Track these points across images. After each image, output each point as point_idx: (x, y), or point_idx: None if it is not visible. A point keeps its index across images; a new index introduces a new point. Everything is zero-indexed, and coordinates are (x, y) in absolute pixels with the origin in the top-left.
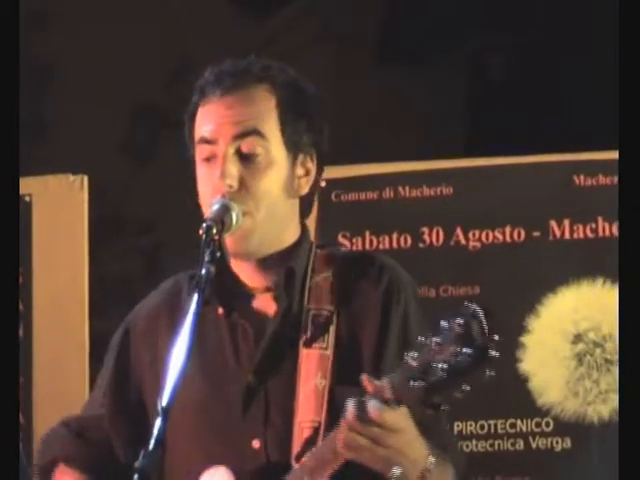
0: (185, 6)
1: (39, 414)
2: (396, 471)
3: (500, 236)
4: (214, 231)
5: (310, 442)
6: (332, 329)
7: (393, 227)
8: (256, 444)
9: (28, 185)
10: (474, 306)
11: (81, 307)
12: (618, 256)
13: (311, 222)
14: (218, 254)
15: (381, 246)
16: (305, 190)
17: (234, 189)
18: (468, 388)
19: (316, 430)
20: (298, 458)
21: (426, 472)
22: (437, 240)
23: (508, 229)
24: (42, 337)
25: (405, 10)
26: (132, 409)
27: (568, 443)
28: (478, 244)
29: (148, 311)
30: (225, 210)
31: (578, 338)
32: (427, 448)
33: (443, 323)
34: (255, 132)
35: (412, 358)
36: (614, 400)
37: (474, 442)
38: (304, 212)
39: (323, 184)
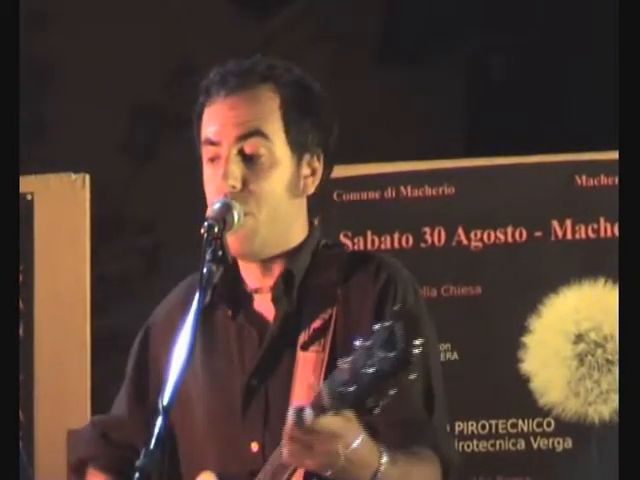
0: (185, 6)
1: (40, 413)
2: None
3: (502, 236)
4: (216, 230)
5: None
6: (329, 332)
7: (395, 227)
8: (255, 447)
9: (29, 184)
10: (401, 309)
11: (82, 306)
12: (618, 256)
13: None
14: (220, 253)
15: (383, 246)
16: (311, 190)
17: (237, 190)
18: (395, 391)
19: None
20: None
21: (378, 473)
22: (439, 240)
23: (510, 229)
24: (43, 336)
25: (405, 10)
26: (152, 411)
27: (569, 443)
28: (480, 244)
29: (166, 311)
30: (227, 209)
31: (579, 338)
32: (379, 449)
33: (375, 327)
34: (258, 133)
35: (344, 363)
36: (615, 400)
37: (475, 442)
38: (312, 211)
39: None
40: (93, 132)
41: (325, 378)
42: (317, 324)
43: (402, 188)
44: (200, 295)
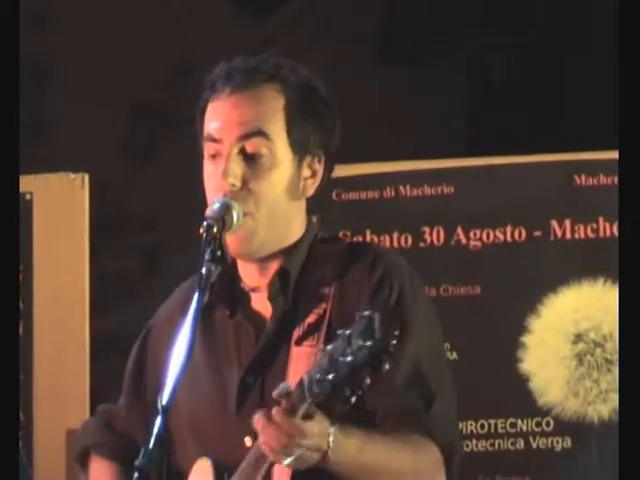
0: (185, 6)
1: (39, 412)
2: (285, 461)
3: (501, 236)
4: (215, 230)
5: None
6: (324, 326)
7: (394, 226)
8: (248, 442)
9: (29, 183)
10: (381, 300)
11: (81, 306)
12: (618, 256)
13: None
14: (219, 253)
15: (382, 245)
16: (311, 192)
17: (236, 188)
18: (369, 382)
19: None
20: None
21: (327, 451)
22: (438, 239)
23: (509, 229)
24: (43, 335)
25: (405, 10)
26: (151, 409)
27: (568, 443)
28: (479, 244)
29: (167, 313)
30: (226, 209)
31: (579, 338)
32: (327, 430)
33: (356, 316)
34: (260, 133)
35: (324, 352)
36: (614, 400)
37: (474, 441)
38: (312, 212)
39: None
40: (92, 132)
41: None
42: (311, 319)
43: (401, 188)
44: (199, 295)
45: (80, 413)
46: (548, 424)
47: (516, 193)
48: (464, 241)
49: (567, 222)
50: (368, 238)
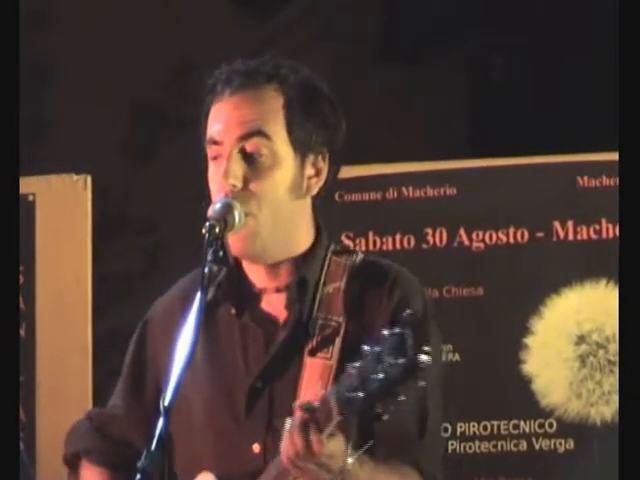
0: (185, 6)
1: (41, 413)
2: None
3: (503, 237)
4: (217, 230)
5: None
6: (338, 340)
7: (397, 228)
8: (256, 448)
9: (31, 185)
10: (411, 315)
11: (84, 306)
12: (619, 257)
13: None
14: (221, 253)
15: (385, 247)
16: (315, 191)
17: (238, 188)
18: (403, 398)
19: None
20: None
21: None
22: (440, 241)
23: (511, 230)
24: (45, 336)
25: (405, 10)
26: (149, 405)
27: (571, 444)
28: (481, 245)
29: (165, 307)
30: (228, 209)
31: (581, 339)
32: (346, 454)
33: (384, 332)
34: (259, 133)
35: (353, 368)
36: (617, 401)
37: (477, 443)
38: (318, 212)
39: None
40: (94, 132)
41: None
42: (326, 331)
43: (404, 189)
44: (201, 295)
45: (82, 414)
46: (551, 425)
47: (518, 194)
48: (467, 242)
49: (569, 223)
50: (371, 239)
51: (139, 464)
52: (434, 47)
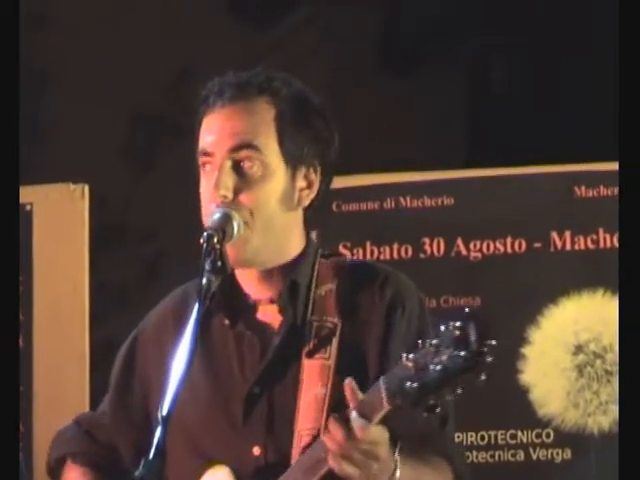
0: (185, 14)
1: (39, 423)
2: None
3: (501, 247)
4: (215, 240)
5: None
6: (335, 340)
7: (394, 237)
8: (257, 451)
9: (29, 194)
10: (473, 310)
11: (81, 316)
12: (618, 267)
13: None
14: (219, 263)
15: (382, 257)
16: (306, 202)
17: (228, 199)
18: (460, 391)
19: (315, 437)
20: None
21: (395, 474)
22: (438, 251)
23: (509, 240)
24: (42, 346)
25: (405, 20)
26: (136, 415)
27: (568, 454)
28: (479, 255)
29: (156, 319)
30: (226, 219)
31: (579, 349)
32: (393, 455)
33: (442, 326)
34: (250, 145)
35: (408, 360)
36: (614, 411)
37: (474, 453)
38: (309, 223)
39: None
40: (93, 141)
41: (333, 385)
42: (322, 332)
43: (401, 199)
44: (200, 305)
45: None
46: (548, 435)
47: (516, 204)
48: (464, 252)
49: (567, 233)
50: (368, 249)
51: (137, 473)
52: (434, 58)
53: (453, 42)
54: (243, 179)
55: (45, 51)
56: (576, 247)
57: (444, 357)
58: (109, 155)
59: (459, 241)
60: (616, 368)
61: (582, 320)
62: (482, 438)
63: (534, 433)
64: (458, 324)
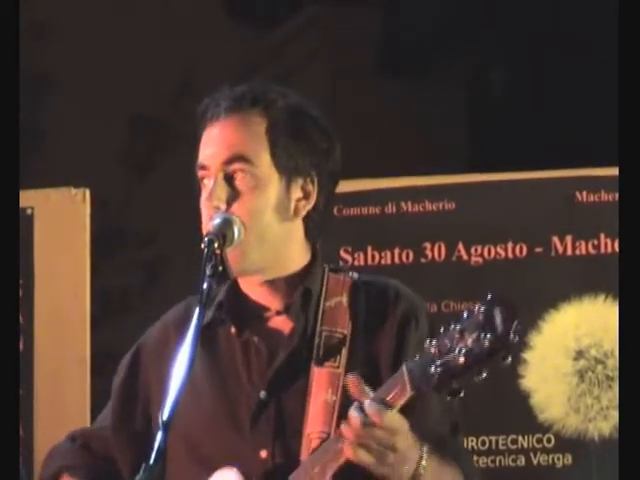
0: (185, 20)
1: (39, 427)
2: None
3: (502, 252)
4: (215, 245)
5: None
6: (344, 350)
7: (395, 242)
8: (264, 454)
9: (30, 198)
10: (497, 295)
11: (82, 320)
12: (618, 272)
13: None
14: (220, 268)
15: (383, 261)
16: (303, 213)
17: (221, 210)
18: (485, 374)
19: (324, 441)
20: None
21: (420, 466)
22: (439, 255)
23: (510, 245)
24: (43, 350)
25: (405, 26)
26: (137, 429)
27: (569, 459)
28: (480, 259)
29: (158, 332)
30: (227, 224)
31: (580, 354)
32: (419, 443)
33: (465, 311)
34: (241, 157)
35: (432, 345)
36: (615, 417)
37: (475, 458)
38: (312, 233)
39: None
40: (93, 146)
41: (343, 392)
42: (331, 342)
43: (402, 203)
44: (200, 311)
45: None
46: (549, 441)
47: (517, 209)
48: (465, 257)
49: (568, 238)
50: (369, 254)
51: (137, 478)
52: (435, 64)
53: (454, 48)
54: (235, 191)
55: (46, 58)
56: (577, 252)
57: (469, 340)
58: (110, 159)
59: (460, 246)
60: (617, 373)
61: (583, 325)
62: (483, 443)
63: (535, 438)
64: (483, 308)
